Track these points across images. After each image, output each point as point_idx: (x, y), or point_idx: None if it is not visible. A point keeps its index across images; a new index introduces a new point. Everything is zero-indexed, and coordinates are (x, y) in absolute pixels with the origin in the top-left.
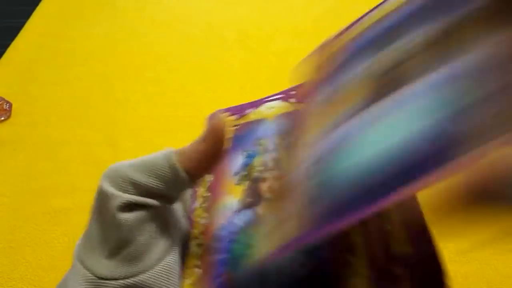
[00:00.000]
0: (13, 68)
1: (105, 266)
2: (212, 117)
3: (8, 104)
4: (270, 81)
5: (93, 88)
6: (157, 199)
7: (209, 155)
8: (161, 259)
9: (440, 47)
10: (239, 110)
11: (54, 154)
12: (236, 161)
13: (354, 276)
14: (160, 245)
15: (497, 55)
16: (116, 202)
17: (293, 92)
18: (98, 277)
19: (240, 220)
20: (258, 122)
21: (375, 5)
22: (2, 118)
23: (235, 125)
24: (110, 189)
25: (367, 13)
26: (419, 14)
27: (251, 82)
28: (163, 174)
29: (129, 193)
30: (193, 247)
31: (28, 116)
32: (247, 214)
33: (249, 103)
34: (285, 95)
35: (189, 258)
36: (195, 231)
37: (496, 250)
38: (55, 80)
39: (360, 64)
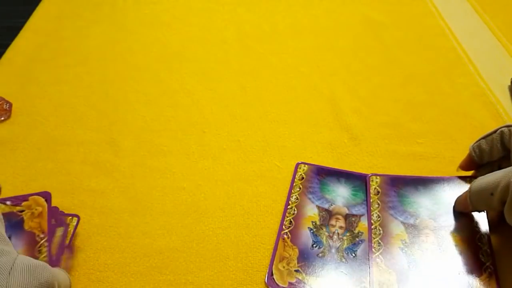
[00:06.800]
0: (13, 68)
1: None
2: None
3: (8, 104)
4: (270, 81)
5: (93, 88)
6: None
7: None
8: None
9: None
10: None
11: (54, 154)
12: None
13: None
14: None
15: None
16: None
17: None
18: None
19: None
20: None
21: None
22: (2, 118)
23: None
24: None
25: None
26: None
27: (251, 82)
28: None
29: None
30: None
31: (28, 116)
32: None
33: None
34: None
35: None
36: None
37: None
38: (55, 80)
39: None
